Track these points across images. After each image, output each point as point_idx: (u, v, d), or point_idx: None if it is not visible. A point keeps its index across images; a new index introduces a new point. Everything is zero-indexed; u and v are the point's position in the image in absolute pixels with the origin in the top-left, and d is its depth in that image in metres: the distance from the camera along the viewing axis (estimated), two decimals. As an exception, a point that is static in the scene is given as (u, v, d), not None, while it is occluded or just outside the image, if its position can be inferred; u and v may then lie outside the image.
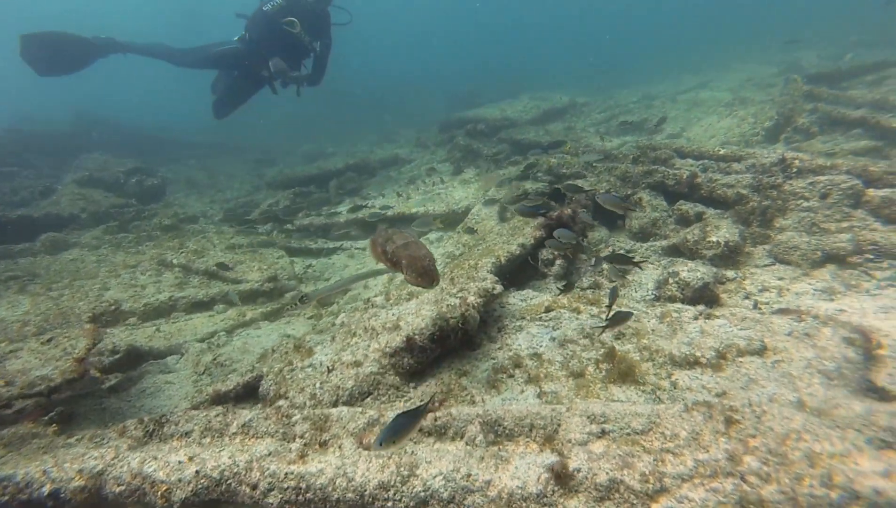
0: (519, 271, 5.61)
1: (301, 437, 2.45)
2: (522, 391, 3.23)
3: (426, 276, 2.72)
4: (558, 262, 5.45)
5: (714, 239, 4.98)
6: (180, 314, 6.04)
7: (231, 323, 5.72)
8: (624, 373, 3.16)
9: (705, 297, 4.20)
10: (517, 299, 4.61)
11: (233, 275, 6.78)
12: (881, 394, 2.98)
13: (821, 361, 2.90)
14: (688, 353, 3.19)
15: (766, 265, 4.98)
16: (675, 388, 2.97)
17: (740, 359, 3.05)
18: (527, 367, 3.48)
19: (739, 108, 10.35)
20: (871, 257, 4.45)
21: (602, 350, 3.45)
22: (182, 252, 7.64)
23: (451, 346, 3.78)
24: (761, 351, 3.06)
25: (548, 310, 4.20)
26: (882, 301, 3.93)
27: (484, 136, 13.99)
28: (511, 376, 3.44)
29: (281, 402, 3.31)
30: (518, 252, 5.13)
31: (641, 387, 3.01)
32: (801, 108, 8.28)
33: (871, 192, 4.89)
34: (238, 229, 9.50)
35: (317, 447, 2.40)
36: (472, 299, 3.97)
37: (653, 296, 4.57)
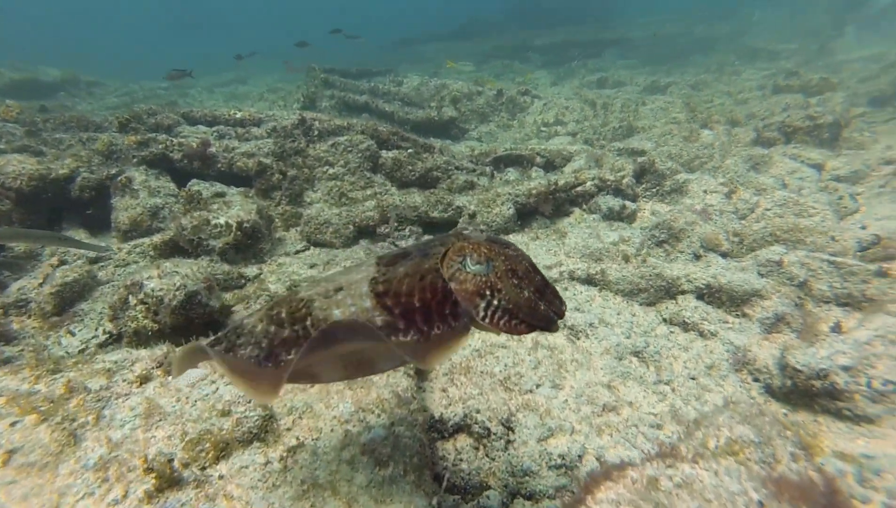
0: None
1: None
2: None
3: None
4: None
5: (222, 221, 3.29)
6: None
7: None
8: None
9: (197, 314, 2.39)
10: None
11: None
12: None
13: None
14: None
15: (298, 252, 3.76)
16: None
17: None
18: None
19: (270, 95, 9.66)
20: (396, 224, 3.93)
21: None
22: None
23: None
24: None
25: None
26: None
27: None
28: None
29: None
30: None
31: None
32: (322, 92, 8.14)
33: (385, 153, 4.51)
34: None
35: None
36: None
37: (106, 338, 2.39)
